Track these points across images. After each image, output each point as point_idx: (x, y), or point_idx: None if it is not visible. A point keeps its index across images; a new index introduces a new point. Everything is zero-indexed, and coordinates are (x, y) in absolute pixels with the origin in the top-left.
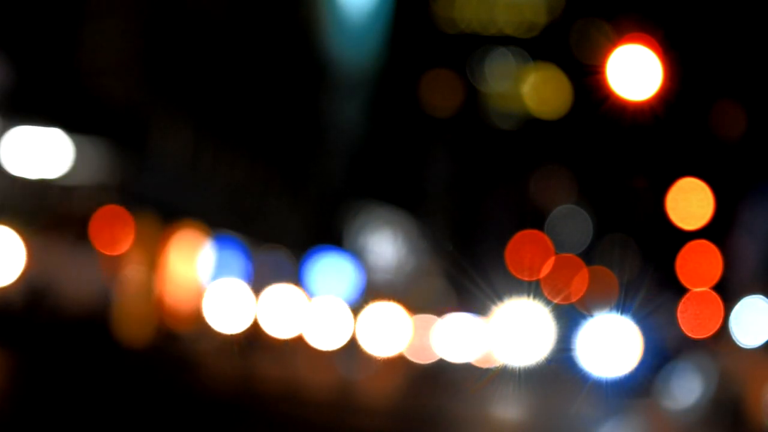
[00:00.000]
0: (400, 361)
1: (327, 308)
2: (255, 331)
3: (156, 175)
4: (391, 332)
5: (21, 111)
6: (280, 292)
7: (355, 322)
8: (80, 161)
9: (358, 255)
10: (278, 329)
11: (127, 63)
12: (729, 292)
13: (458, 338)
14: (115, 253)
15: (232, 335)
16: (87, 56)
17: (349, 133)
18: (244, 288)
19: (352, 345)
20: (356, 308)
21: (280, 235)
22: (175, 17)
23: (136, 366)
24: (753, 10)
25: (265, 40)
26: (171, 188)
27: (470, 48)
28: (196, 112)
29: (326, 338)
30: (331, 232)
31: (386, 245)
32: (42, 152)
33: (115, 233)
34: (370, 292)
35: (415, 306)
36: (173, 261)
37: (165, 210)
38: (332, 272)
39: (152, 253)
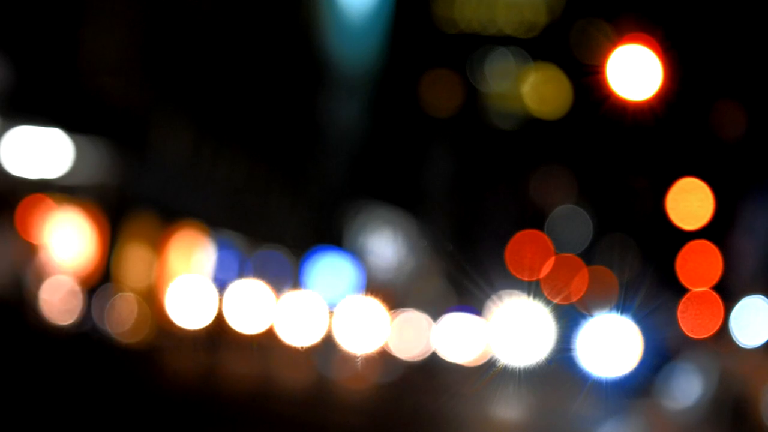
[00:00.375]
0: (382, 357)
1: (303, 304)
2: (223, 327)
3: (156, 175)
4: (370, 328)
5: (21, 111)
6: (249, 287)
7: (332, 318)
8: (80, 161)
9: (358, 255)
10: (248, 325)
11: (127, 63)
12: (729, 292)
13: (453, 337)
14: (37, 241)
15: (197, 331)
16: (87, 56)
17: (349, 133)
18: (211, 284)
19: (330, 341)
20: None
21: (280, 235)
22: (175, 17)
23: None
24: (753, 10)
25: (266, 40)
26: (171, 188)
27: (470, 48)
28: (196, 112)
29: (301, 334)
30: (331, 232)
31: (386, 245)
32: (42, 152)
33: (39, 221)
34: (369, 291)
35: (409, 303)
36: (172, 260)
37: (165, 210)
38: (331, 272)
39: (151, 252)
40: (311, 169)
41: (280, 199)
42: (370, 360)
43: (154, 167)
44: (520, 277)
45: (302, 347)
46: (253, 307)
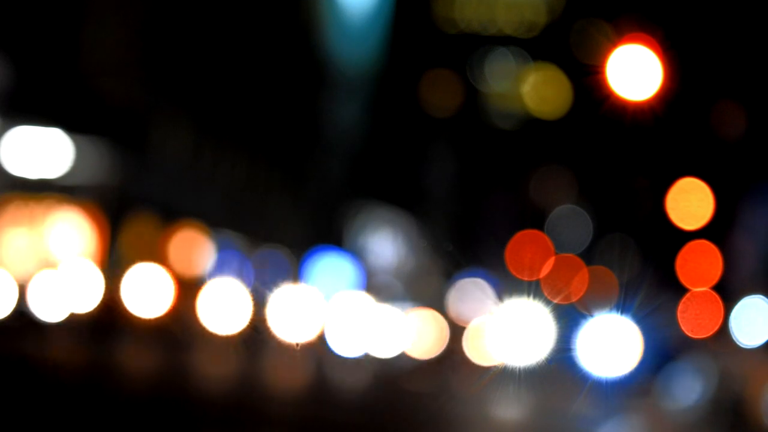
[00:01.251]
0: (319, 348)
1: (232, 292)
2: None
3: (156, 175)
4: (306, 317)
5: (21, 111)
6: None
7: (267, 308)
8: (80, 161)
9: (358, 255)
10: (146, 311)
11: (127, 63)
12: (729, 292)
13: (414, 332)
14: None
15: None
16: (87, 56)
17: (349, 132)
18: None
19: (260, 330)
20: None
21: (280, 235)
22: (175, 17)
23: None
24: (753, 10)
25: (266, 40)
26: (171, 188)
27: (470, 48)
28: (196, 112)
29: (230, 323)
30: (331, 232)
31: (386, 245)
32: (42, 152)
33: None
34: (369, 291)
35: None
36: (172, 260)
37: (165, 210)
38: (331, 271)
39: (151, 252)
40: (311, 169)
41: (280, 199)
42: (309, 352)
43: (154, 167)
44: (520, 277)
45: (229, 335)
46: (154, 292)
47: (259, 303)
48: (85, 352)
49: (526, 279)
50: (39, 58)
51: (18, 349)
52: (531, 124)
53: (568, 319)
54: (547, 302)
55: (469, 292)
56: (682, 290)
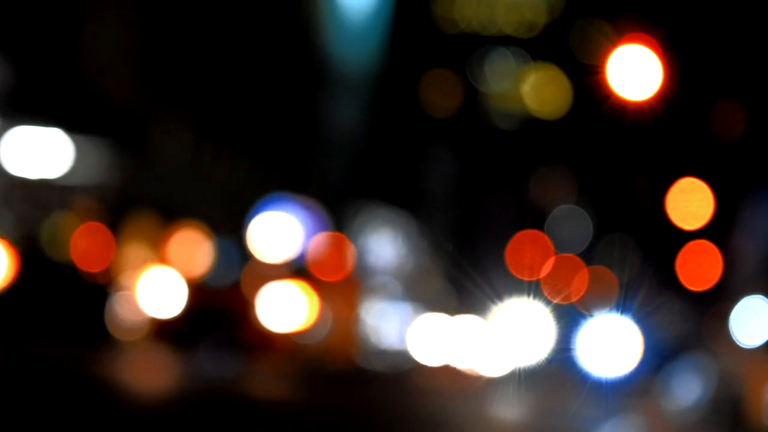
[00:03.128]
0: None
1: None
2: None
3: (156, 175)
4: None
5: (21, 111)
6: None
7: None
8: (80, 161)
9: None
10: None
11: (127, 63)
12: (729, 292)
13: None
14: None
15: None
16: (87, 56)
17: (349, 133)
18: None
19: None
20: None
21: None
22: (175, 17)
23: None
24: (753, 10)
25: (266, 40)
26: (171, 188)
27: (470, 48)
28: (196, 112)
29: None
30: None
31: (386, 245)
32: (42, 152)
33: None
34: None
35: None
36: (172, 260)
37: (165, 210)
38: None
39: (152, 252)
40: (311, 169)
41: None
42: None
43: (154, 167)
44: (520, 277)
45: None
46: None
47: None
48: None
49: (526, 279)
50: (39, 58)
51: None
52: (531, 124)
53: (568, 319)
54: (547, 302)
55: (272, 230)
56: (682, 290)
